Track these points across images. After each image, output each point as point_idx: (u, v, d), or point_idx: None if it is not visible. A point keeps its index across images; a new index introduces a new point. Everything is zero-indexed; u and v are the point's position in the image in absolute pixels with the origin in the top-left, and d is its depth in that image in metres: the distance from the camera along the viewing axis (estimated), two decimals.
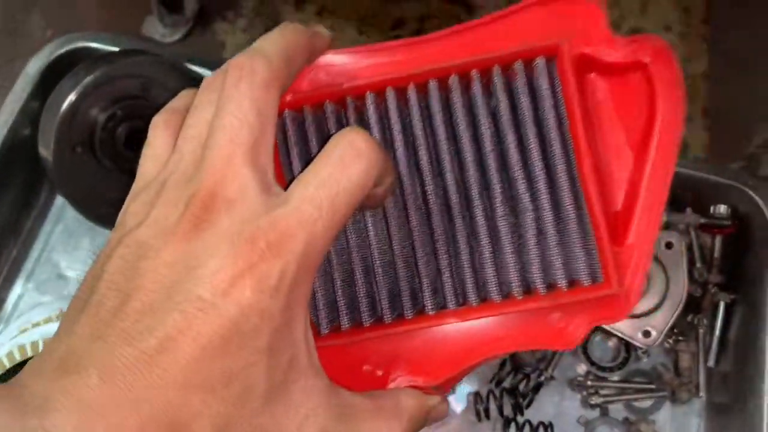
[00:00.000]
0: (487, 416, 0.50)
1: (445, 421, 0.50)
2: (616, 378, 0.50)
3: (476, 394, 0.50)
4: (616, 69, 0.30)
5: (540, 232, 0.29)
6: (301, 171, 0.24)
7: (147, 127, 0.53)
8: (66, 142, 0.51)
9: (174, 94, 0.54)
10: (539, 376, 0.50)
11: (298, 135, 0.30)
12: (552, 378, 0.50)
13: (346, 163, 0.24)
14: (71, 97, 0.50)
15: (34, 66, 0.55)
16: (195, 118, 0.26)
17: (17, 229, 0.56)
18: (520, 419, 0.50)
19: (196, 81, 0.54)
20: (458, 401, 0.50)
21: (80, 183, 0.52)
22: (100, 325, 0.22)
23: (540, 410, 0.50)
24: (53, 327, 0.53)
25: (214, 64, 0.57)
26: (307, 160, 0.26)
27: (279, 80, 0.25)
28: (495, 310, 0.29)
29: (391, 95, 0.30)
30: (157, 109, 0.53)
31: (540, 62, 0.29)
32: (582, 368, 0.51)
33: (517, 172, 0.29)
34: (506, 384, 0.50)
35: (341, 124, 0.30)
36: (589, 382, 0.50)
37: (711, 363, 0.50)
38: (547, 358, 0.50)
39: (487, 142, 0.29)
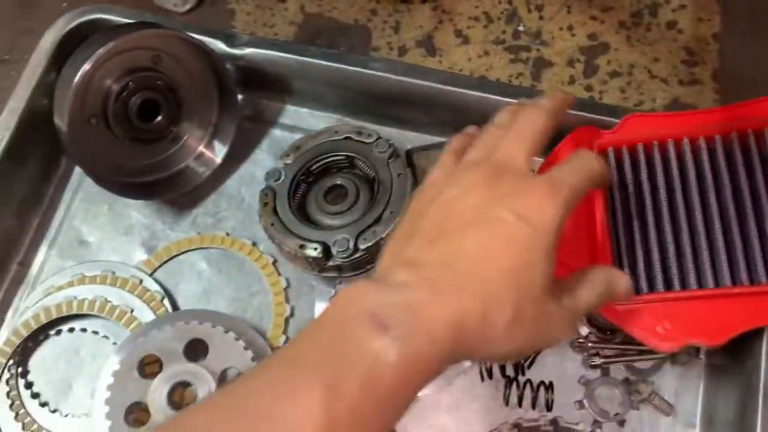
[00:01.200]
0: (490, 376, 0.51)
1: (449, 380, 0.52)
2: (617, 340, 0.51)
3: None
4: None
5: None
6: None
7: (158, 98, 0.55)
8: (80, 113, 0.52)
9: (183, 67, 0.55)
10: None
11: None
12: None
13: (583, 164, 0.38)
14: (85, 67, 0.51)
15: (48, 39, 0.56)
16: (488, 133, 0.39)
17: (39, 198, 0.59)
18: (521, 379, 0.51)
19: (204, 53, 0.55)
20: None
21: (95, 153, 0.54)
22: (429, 243, 0.34)
23: (542, 370, 0.51)
24: (76, 290, 0.56)
25: (221, 35, 0.58)
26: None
27: (551, 121, 0.39)
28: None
29: (671, 145, 0.49)
30: (167, 80, 0.54)
31: None
32: (584, 330, 0.52)
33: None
34: None
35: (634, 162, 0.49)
36: (590, 344, 0.51)
37: None
38: None
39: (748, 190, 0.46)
